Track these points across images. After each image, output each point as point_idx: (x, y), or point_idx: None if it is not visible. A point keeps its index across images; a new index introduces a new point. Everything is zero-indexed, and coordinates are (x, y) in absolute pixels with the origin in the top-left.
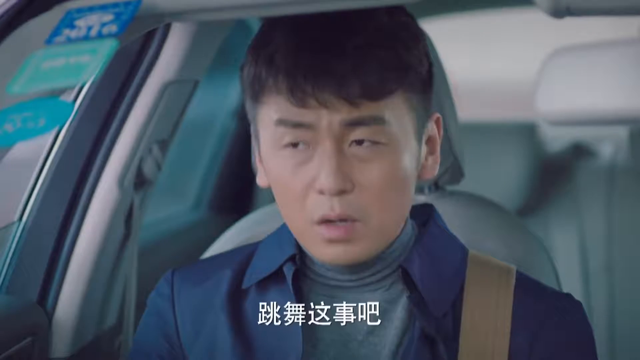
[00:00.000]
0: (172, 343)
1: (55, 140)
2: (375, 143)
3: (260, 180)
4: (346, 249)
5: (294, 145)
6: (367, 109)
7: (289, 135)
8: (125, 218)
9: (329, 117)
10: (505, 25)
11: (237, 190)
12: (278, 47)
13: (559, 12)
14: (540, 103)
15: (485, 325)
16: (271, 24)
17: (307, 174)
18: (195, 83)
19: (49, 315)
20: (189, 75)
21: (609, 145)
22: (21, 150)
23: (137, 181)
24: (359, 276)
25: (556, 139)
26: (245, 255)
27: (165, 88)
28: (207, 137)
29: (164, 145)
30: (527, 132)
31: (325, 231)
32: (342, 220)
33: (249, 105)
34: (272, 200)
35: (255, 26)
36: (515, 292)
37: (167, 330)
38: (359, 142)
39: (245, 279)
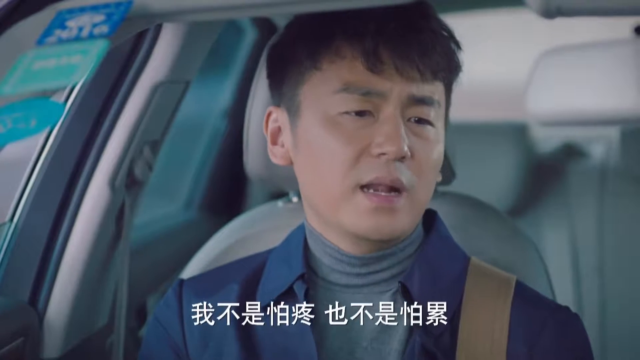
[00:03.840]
0: (179, 354)
1: (47, 141)
2: (428, 122)
3: (280, 159)
4: (389, 220)
5: (358, 113)
6: (429, 88)
7: (353, 103)
8: (117, 219)
9: (400, 88)
10: (496, 25)
11: (229, 191)
12: (351, 12)
13: (549, 13)
14: (531, 104)
15: (483, 338)
16: None
17: (364, 140)
18: (187, 84)
19: (40, 315)
20: (180, 75)
21: (600, 146)
22: (12, 150)
23: (129, 182)
24: (369, 269)
25: (547, 140)
26: (252, 268)
27: (156, 89)
28: (198, 138)
29: (155, 145)
30: (518, 132)
31: (374, 199)
32: (393, 189)
33: (290, 79)
34: (264, 200)
35: (247, 27)
36: (514, 304)
37: (175, 342)
38: (417, 120)
39: (257, 297)
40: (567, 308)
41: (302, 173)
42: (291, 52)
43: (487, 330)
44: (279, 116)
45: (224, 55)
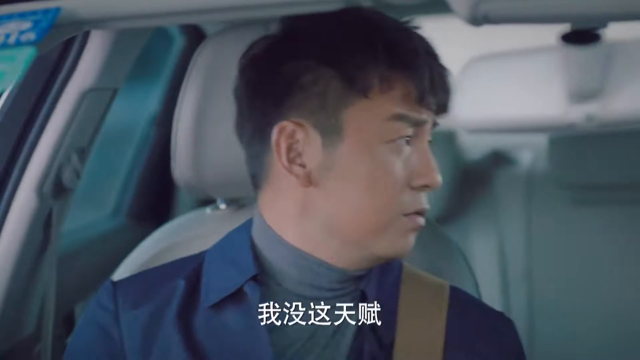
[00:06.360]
0: None
1: None
2: (430, 142)
3: (304, 181)
4: (414, 239)
5: (407, 141)
6: None
7: (404, 130)
8: (44, 226)
9: (432, 117)
10: (424, 31)
11: (156, 198)
12: (399, 46)
13: (476, 20)
14: (458, 111)
15: (418, 345)
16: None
17: (407, 169)
18: (114, 91)
19: None
20: (108, 82)
21: (528, 153)
22: None
23: (56, 189)
24: (343, 285)
25: (475, 147)
26: (192, 268)
27: (84, 96)
28: (125, 145)
29: (83, 153)
30: (446, 139)
31: (416, 220)
32: None
33: (331, 103)
34: (192, 208)
35: (175, 34)
36: (449, 310)
37: (112, 348)
38: (429, 142)
39: (201, 298)
40: (501, 313)
41: (332, 197)
42: (322, 72)
43: (423, 336)
44: (300, 133)
45: (152, 62)
